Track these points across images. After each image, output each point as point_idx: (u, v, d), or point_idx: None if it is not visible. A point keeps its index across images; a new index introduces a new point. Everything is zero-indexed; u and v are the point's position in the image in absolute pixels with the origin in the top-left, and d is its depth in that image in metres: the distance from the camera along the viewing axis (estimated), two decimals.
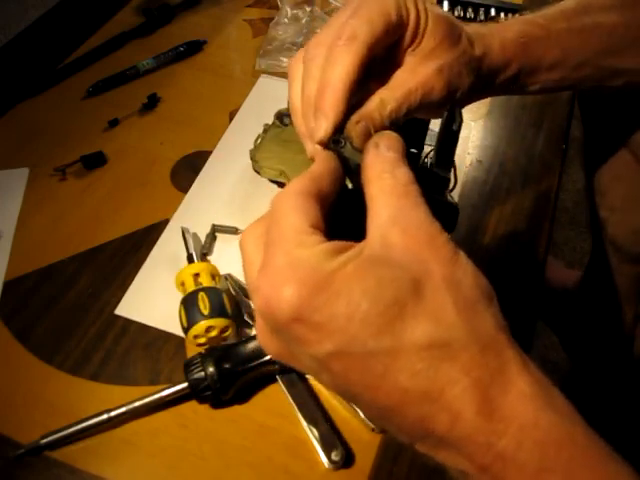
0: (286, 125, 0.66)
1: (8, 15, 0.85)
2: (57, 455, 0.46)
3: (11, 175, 0.68)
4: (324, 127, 0.31)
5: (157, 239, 0.61)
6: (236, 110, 0.75)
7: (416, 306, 0.23)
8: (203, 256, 0.59)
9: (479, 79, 0.39)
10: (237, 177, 0.67)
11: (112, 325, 0.54)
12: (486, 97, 0.43)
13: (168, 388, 0.47)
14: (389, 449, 0.46)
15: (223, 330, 0.50)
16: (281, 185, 0.64)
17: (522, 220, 0.62)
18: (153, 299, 0.56)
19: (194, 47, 0.84)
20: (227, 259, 0.59)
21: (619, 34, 0.44)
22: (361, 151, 0.31)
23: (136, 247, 0.60)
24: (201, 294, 0.50)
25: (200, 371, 0.46)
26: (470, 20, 0.87)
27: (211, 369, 0.45)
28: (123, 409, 0.47)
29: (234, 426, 0.47)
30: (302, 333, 0.23)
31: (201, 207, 0.64)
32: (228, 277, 0.56)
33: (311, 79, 0.33)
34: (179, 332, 0.52)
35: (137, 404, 0.47)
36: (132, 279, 0.58)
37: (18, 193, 0.66)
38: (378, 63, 0.34)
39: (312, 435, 0.46)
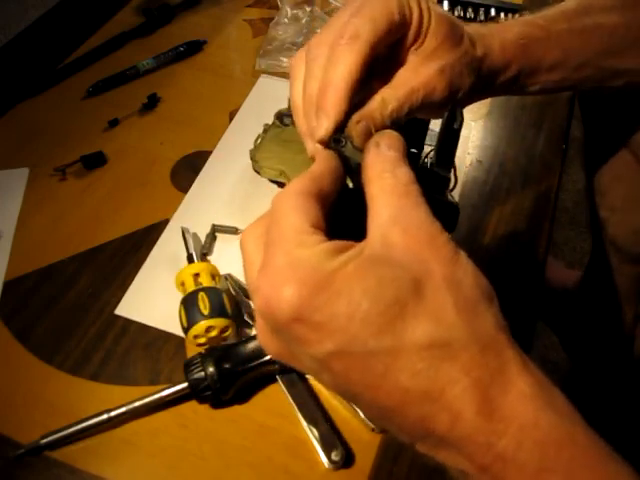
0: (286, 125, 0.66)
1: (8, 15, 0.85)
2: (57, 455, 0.46)
3: (11, 175, 0.68)
4: (325, 126, 0.31)
5: (157, 239, 0.61)
6: (236, 110, 0.75)
7: (417, 306, 0.23)
8: (203, 256, 0.59)
9: (480, 79, 0.39)
10: (237, 177, 0.67)
11: (112, 325, 0.54)
12: (487, 97, 0.43)
13: (168, 388, 0.47)
14: (389, 449, 0.46)
15: (223, 330, 0.50)
16: (281, 185, 0.64)
17: (522, 220, 0.62)
18: (153, 299, 0.56)
19: (194, 47, 0.84)
20: (227, 259, 0.59)
21: (620, 35, 0.44)
22: (362, 150, 0.31)
23: (136, 247, 0.60)
24: (201, 294, 0.50)
25: (200, 371, 0.46)
26: (470, 20, 0.87)
27: (211, 369, 0.45)
28: (123, 409, 0.47)
29: (234, 426, 0.47)
30: (302, 333, 0.23)
31: (201, 207, 0.64)
32: (228, 277, 0.56)
33: (313, 78, 0.33)
34: (179, 332, 0.52)
35: (137, 404, 0.47)
36: (132, 279, 0.58)
37: (18, 193, 0.66)
38: (380, 62, 0.34)
39: (312, 435, 0.46)
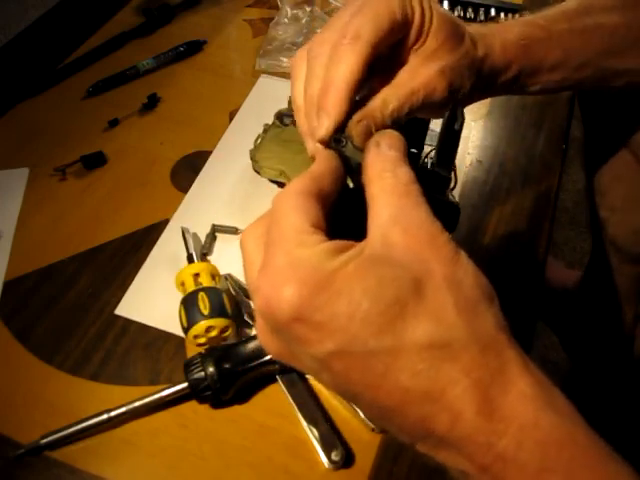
0: (286, 125, 0.66)
1: (8, 15, 0.85)
2: (57, 455, 0.46)
3: (11, 175, 0.68)
4: (326, 126, 0.31)
5: (157, 239, 0.61)
6: (236, 110, 0.75)
7: (417, 306, 0.23)
8: (203, 256, 0.59)
9: (480, 80, 0.39)
10: (237, 177, 0.67)
11: (112, 325, 0.54)
12: (487, 97, 0.43)
13: (168, 388, 0.47)
14: (389, 449, 0.46)
15: (223, 330, 0.50)
16: (281, 185, 0.64)
17: (522, 220, 0.62)
18: (153, 299, 0.56)
19: (194, 47, 0.84)
20: (227, 259, 0.59)
21: (620, 35, 0.44)
22: (362, 150, 0.31)
23: (136, 247, 0.60)
24: (201, 294, 0.50)
25: (200, 371, 0.46)
26: (470, 20, 0.87)
27: (211, 369, 0.45)
28: (123, 409, 0.47)
29: (234, 426, 0.47)
30: (303, 333, 0.23)
31: (201, 207, 0.64)
32: (228, 277, 0.56)
33: (314, 78, 0.33)
34: (179, 332, 0.52)
35: (137, 404, 0.47)
36: (132, 279, 0.58)
37: (18, 193, 0.66)
38: (381, 61, 0.34)
39: (312, 435, 0.46)
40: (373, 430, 0.46)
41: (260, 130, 0.66)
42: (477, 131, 0.72)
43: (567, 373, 1.21)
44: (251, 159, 0.63)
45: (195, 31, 0.87)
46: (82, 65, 0.82)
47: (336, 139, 0.31)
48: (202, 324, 0.49)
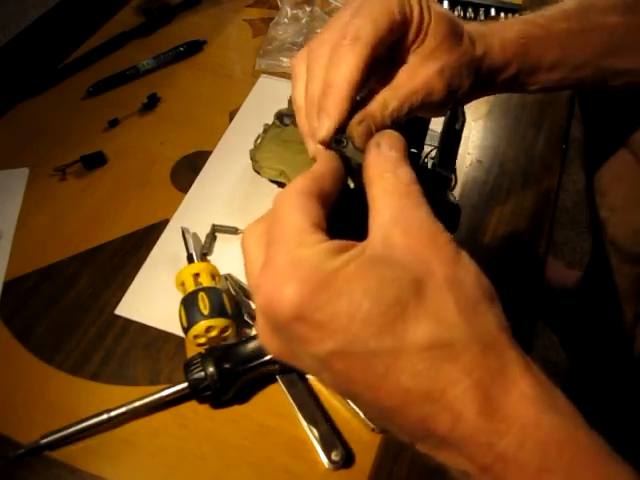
0: (286, 125, 0.66)
1: (8, 15, 0.85)
2: (57, 455, 0.46)
3: (11, 175, 0.68)
4: (326, 126, 0.31)
5: (157, 239, 0.61)
6: (236, 110, 0.75)
7: (418, 306, 0.23)
8: (203, 256, 0.59)
9: (479, 79, 0.39)
10: (237, 177, 0.67)
11: (112, 325, 0.54)
12: (486, 95, 0.43)
13: (168, 388, 0.47)
14: (389, 449, 0.46)
15: (223, 330, 0.50)
16: (281, 185, 0.64)
17: (522, 220, 0.62)
18: (153, 299, 0.56)
19: (194, 47, 0.84)
20: (227, 259, 0.59)
21: (619, 35, 0.44)
22: (363, 151, 0.31)
23: (136, 247, 0.60)
24: (201, 294, 0.50)
25: (200, 371, 0.46)
26: (470, 20, 0.87)
27: (211, 369, 0.45)
28: (123, 409, 0.46)
29: (234, 426, 0.47)
30: (303, 332, 0.23)
31: (201, 207, 0.64)
32: (228, 277, 0.56)
33: (315, 79, 0.33)
34: (179, 332, 0.52)
35: (137, 404, 0.47)
36: (132, 279, 0.58)
37: (18, 193, 0.66)
38: (380, 61, 0.34)
39: (312, 435, 0.46)
40: (373, 430, 0.46)
41: (260, 130, 0.66)
42: (477, 131, 0.72)
43: (567, 373, 1.21)
44: (251, 159, 0.63)
45: (195, 31, 0.87)
46: (82, 65, 0.82)
47: (337, 140, 0.31)
48: (202, 324, 0.49)
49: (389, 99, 0.33)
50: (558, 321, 1.23)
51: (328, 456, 0.44)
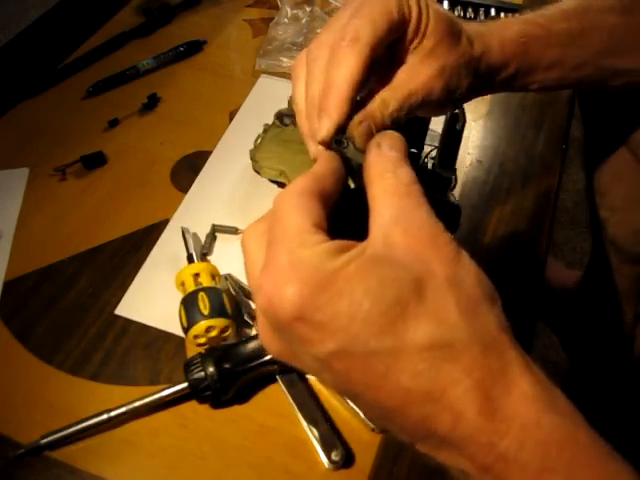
0: (286, 125, 0.66)
1: (8, 15, 0.85)
2: (57, 455, 0.46)
3: (11, 175, 0.68)
4: (326, 127, 0.31)
5: (157, 239, 0.61)
6: (236, 110, 0.75)
7: (418, 306, 0.23)
8: (203, 256, 0.59)
9: (477, 78, 0.39)
10: (237, 177, 0.67)
11: (112, 325, 0.54)
12: (485, 94, 0.43)
13: (168, 388, 0.47)
14: (389, 449, 0.46)
15: (223, 330, 0.50)
16: (281, 185, 0.64)
17: (522, 220, 0.62)
18: (153, 299, 0.56)
19: (194, 47, 0.84)
20: (227, 259, 0.59)
21: (618, 35, 0.44)
22: (363, 151, 0.31)
23: (136, 247, 0.60)
24: (201, 294, 0.50)
25: (200, 371, 0.46)
26: (470, 20, 0.87)
27: (211, 369, 0.45)
28: (123, 409, 0.46)
29: (234, 426, 0.47)
30: (304, 332, 0.23)
31: (201, 207, 0.64)
32: (228, 277, 0.56)
33: (315, 81, 0.33)
34: (179, 332, 0.52)
35: (137, 404, 0.47)
36: (132, 279, 0.58)
37: (18, 193, 0.66)
38: (379, 61, 0.34)
39: (312, 435, 0.46)
40: (373, 430, 0.46)
41: (260, 130, 0.66)
42: (477, 131, 0.72)
43: (567, 373, 1.21)
44: (251, 159, 0.63)
45: (195, 31, 0.87)
46: (82, 65, 0.82)
47: (337, 140, 0.31)
48: (202, 324, 0.49)
49: (389, 99, 0.33)
50: (558, 321, 1.23)
51: (328, 456, 0.44)
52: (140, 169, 0.68)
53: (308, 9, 0.85)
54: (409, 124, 0.35)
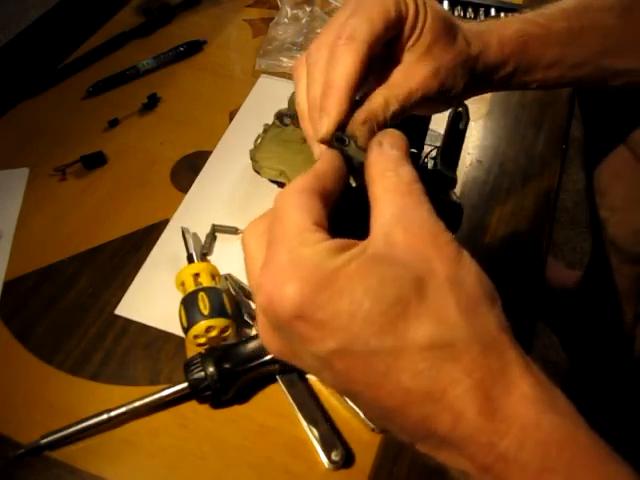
0: (286, 125, 0.66)
1: (8, 15, 0.85)
2: (57, 455, 0.46)
3: (11, 175, 0.68)
4: (326, 125, 0.31)
5: (157, 239, 0.61)
6: (236, 110, 0.75)
7: (419, 306, 0.23)
8: (203, 256, 0.59)
9: (474, 77, 0.39)
10: (237, 177, 0.67)
11: (112, 325, 0.54)
12: (483, 93, 0.43)
13: (168, 388, 0.47)
14: (389, 449, 0.46)
15: (223, 330, 0.50)
16: (281, 185, 0.64)
17: (522, 220, 0.62)
18: (153, 299, 0.56)
19: (194, 47, 0.84)
20: (227, 259, 0.59)
21: (617, 35, 0.44)
22: (365, 150, 0.31)
23: (136, 247, 0.60)
24: (201, 294, 0.50)
25: (200, 371, 0.46)
26: (470, 20, 0.87)
27: (211, 369, 0.45)
28: (123, 409, 0.46)
29: (234, 426, 0.47)
30: (304, 331, 0.23)
31: (201, 207, 0.64)
32: (228, 277, 0.56)
33: (315, 82, 0.34)
34: (179, 332, 0.52)
35: (137, 404, 0.47)
36: (132, 279, 0.58)
37: (18, 193, 0.66)
38: (376, 59, 0.34)
39: (312, 435, 0.46)
40: (373, 430, 0.46)
41: (260, 130, 0.66)
42: (477, 131, 0.72)
43: (567, 373, 1.21)
44: (251, 159, 0.63)
45: (195, 31, 0.87)
46: (82, 65, 0.82)
47: (339, 139, 0.31)
48: (202, 324, 0.49)
49: (391, 99, 0.33)
50: (558, 321, 1.23)
51: (328, 456, 0.44)
52: (140, 169, 0.68)
53: (308, 9, 0.85)
54: (409, 124, 0.35)
